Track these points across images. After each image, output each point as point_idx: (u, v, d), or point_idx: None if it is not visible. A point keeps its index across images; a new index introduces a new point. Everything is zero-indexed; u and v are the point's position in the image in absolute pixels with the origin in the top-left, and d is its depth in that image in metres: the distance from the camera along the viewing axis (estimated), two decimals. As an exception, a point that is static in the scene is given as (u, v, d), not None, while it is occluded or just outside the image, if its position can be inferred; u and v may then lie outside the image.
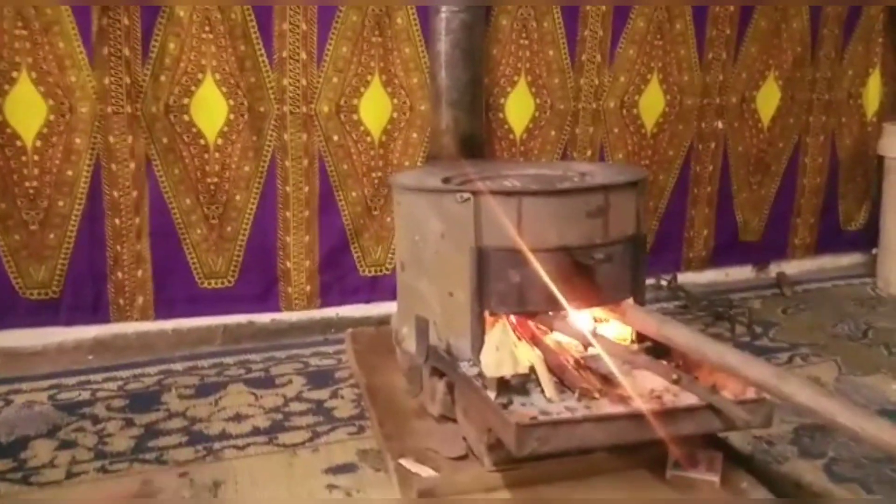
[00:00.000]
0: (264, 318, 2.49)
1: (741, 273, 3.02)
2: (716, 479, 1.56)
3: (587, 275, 1.68)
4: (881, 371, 2.23)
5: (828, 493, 1.68)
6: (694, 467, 1.59)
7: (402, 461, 1.65)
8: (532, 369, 1.63)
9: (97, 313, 2.34)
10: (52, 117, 2.19)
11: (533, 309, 1.69)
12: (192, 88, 2.29)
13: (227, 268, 2.43)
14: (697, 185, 2.86)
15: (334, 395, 2.12)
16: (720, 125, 2.82)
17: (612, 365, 1.72)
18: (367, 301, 2.55)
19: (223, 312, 2.44)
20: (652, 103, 2.72)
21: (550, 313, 1.71)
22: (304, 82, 2.36)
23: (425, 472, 1.62)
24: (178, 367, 2.30)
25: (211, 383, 2.20)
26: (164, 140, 2.28)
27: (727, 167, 2.89)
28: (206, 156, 2.33)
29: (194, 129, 2.31)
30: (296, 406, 2.06)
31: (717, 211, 2.91)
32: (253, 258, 2.43)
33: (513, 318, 1.75)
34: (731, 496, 1.53)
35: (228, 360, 2.34)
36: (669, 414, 1.43)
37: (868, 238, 3.10)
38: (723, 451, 1.65)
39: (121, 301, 2.35)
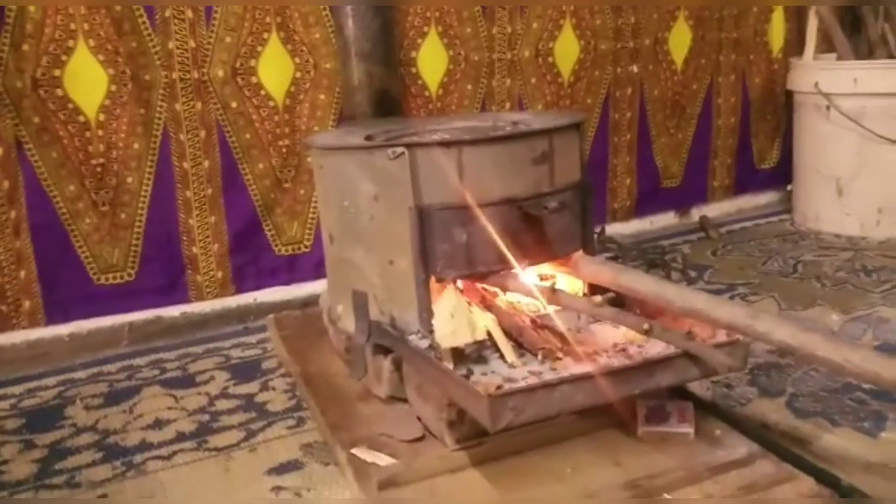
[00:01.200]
0: (174, 311, 2.24)
1: (665, 220, 2.98)
2: (690, 430, 1.48)
3: (537, 228, 1.55)
4: (818, 303, 2.22)
5: (795, 429, 1.63)
6: (665, 421, 1.51)
7: (355, 451, 1.49)
8: (489, 335, 1.50)
9: (-25, 324, 2.04)
10: None
11: (483, 270, 1.55)
12: (63, 58, 2.00)
13: (126, 260, 2.16)
14: (617, 132, 2.79)
15: (264, 388, 1.92)
16: (635, 69, 2.75)
17: (569, 322, 1.62)
18: (287, 283, 2.34)
19: (126, 310, 2.18)
20: (567, 50, 2.60)
21: (502, 273, 1.58)
22: (192, 44, 2.11)
23: (382, 459, 1.47)
24: (81, 374, 2.03)
25: (121, 389, 1.95)
26: (36, 119, 1.99)
27: (644, 112, 2.82)
28: (87, 134, 2.05)
29: (70, 105, 2.02)
30: (223, 404, 1.85)
31: (638, 158, 2.85)
32: (154, 246, 2.18)
33: (459, 282, 1.61)
34: (707, 447, 1.45)
35: (139, 361, 2.09)
36: (645, 367, 1.33)
37: (782, 175, 3.12)
38: (692, 400, 1.57)
39: (3, 308, 2.05)
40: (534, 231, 1.55)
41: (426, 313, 1.52)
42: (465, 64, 2.46)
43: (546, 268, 1.67)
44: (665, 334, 1.38)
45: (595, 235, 2.73)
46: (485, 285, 1.61)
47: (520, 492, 1.36)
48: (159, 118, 2.12)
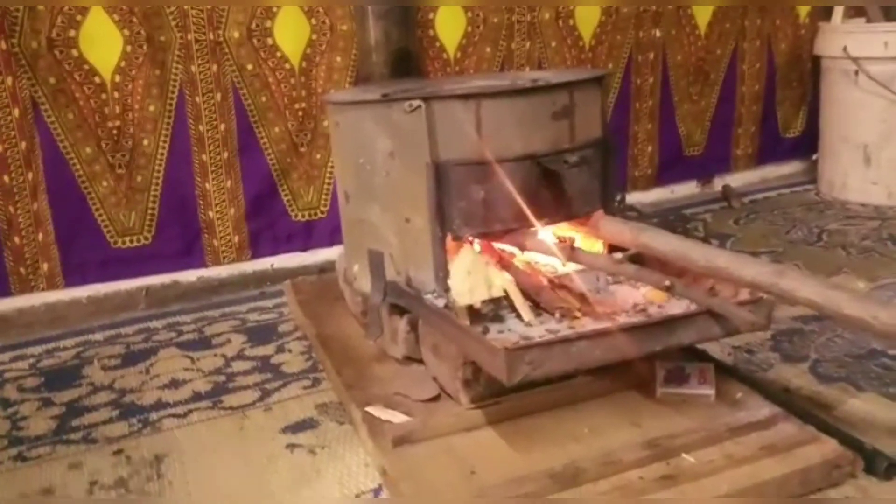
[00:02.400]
0: (190, 276, 2.24)
1: (686, 189, 2.93)
2: (710, 392, 1.45)
3: (556, 185, 1.52)
4: (844, 271, 2.18)
5: (818, 394, 1.59)
6: (685, 382, 1.48)
7: (370, 409, 1.48)
8: (505, 294, 1.48)
9: (-5, 286, 2.05)
10: (-89, 59, 1.87)
11: (501, 228, 1.52)
12: (78, 18, 1.98)
13: (142, 223, 2.16)
14: (639, 98, 2.73)
15: (280, 350, 1.91)
16: (658, 33, 2.69)
17: (588, 282, 1.59)
18: (304, 249, 2.33)
19: (143, 273, 2.18)
20: (588, 13, 2.55)
21: (520, 231, 1.55)
22: (208, 5, 2.08)
23: (397, 417, 1.46)
24: (99, 336, 2.04)
25: (138, 351, 1.95)
26: (52, 80, 1.98)
27: (667, 78, 2.77)
28: (103, 96, 2.04)
29: (86, 66, 2.01)
30: (239, 365, 1.84)
31: (660, 125, 2.80)
32: (170, 210, 2.17)
33: (476, 241, 1.58)
34: (727, 409, 1.42)
35: (155, 324, 2.09)
36: (666, 324, 1.30)
37: (807, 144, 3.06)
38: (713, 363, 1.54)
39: (22, 270, 2.06)
40: (553, 189, 1.52)
41: (442, 272, 1.50)
42: (484, 26, 2.41)
43: (565, 227, 1.65)
44: (687, 292, 1.35)
45: (616, 202, 2.72)
46: (503, 244, 1.59)
47: (536, 451, 1.34)
48: (175, 80, 2.10)
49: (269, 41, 2.17)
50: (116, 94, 2.05)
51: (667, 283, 1.34)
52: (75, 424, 1.62)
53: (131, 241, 2.16)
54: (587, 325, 1.41)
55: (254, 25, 2.14)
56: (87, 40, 2.00)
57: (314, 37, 2.21)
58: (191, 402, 1.69)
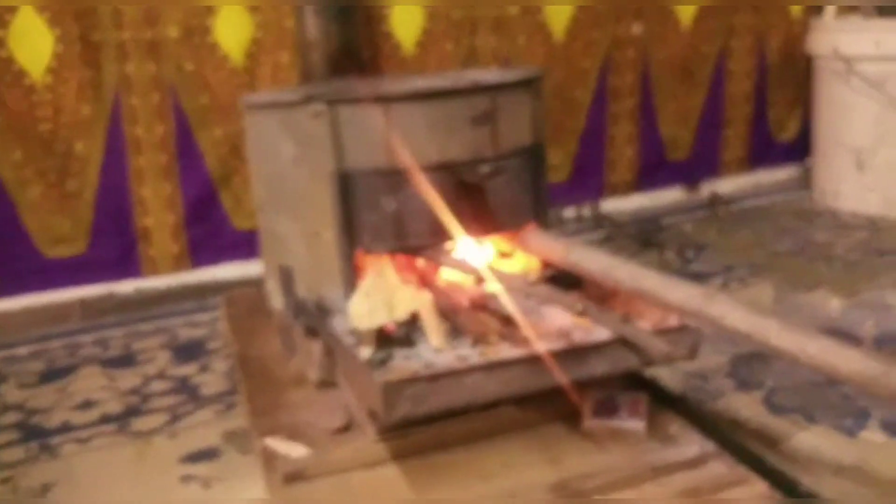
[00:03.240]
0: (128, 286, 2.14)
1: (671, 196, 2.76)
2: (641, 425, 1.32)
3: (477, 197, 1.39)
4: (821, 287, 2.01)
5: (767, 427, 1.45)
6: (615, 414, 1.34)
7: (269, 440, 1.36)
8: (418, 315, 1.35)
9: (-78, 296, 1.97)
10: None
11: (415, 243, 1.39)
12: (7, 17, 1.89)
13: (76, 231, 2.06)
14: (617, 99, 2.58)
15: (204, 370, 1.81)
16: (638, 29, 2.53)
17: (513, 302, 1.46)
18: (248, 258, 2.21)
19: (78, 284, 2.08)
20: (559, 7, 2.40)
21: (438, 247, 1.42)
22: (143, 4, 1.99)
23: (296, 450, 1.33)
24: (24, 351, 1.95)
25: (60, 367, 1.86)
26: (-23, 82, 1.90)
27: (648, 77, 2.61)
28: (33, 98, 1.95)
29: (15, 67, 1.92)
30: (157, 386, 1.74)
31: (641, 127, 2.64)
32: (105, 217, 2.07)
33: (390, 258, 1.46)
34: (657, 445, 1.28)
35: (85, 338, 2.00)
36: (575, 353, 1.17)
37: (803, 148, 2.88)
38: (651, 392, 1.41)
39: (-51, 280, 1.99)
40: (473, 200, 1.39)
41: (350, 291, 1.37)
42: (445, 21, 2.28)
43: (501, 243, 1.52)
44: (600, 317, 1.22)
45: (589, 212, 2.59)
46: (421, 260, 1.46)
47: (437, 490, 1.22)
48: (110, 81, 2.01)
49: (210, 39, 2.07)
50: (48, 97, 1.96)
51: (578, 307, 1.20)
52: (-27, 448, 1.53)
53: (65, 250, 2.06)
54: (502, 351, 1.28)
55: (193, 23, 2.04)
56: (16, 40, 1.91)
57: (258, 34, 2.10)
58: (97, 425, 1.59)
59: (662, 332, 1.21)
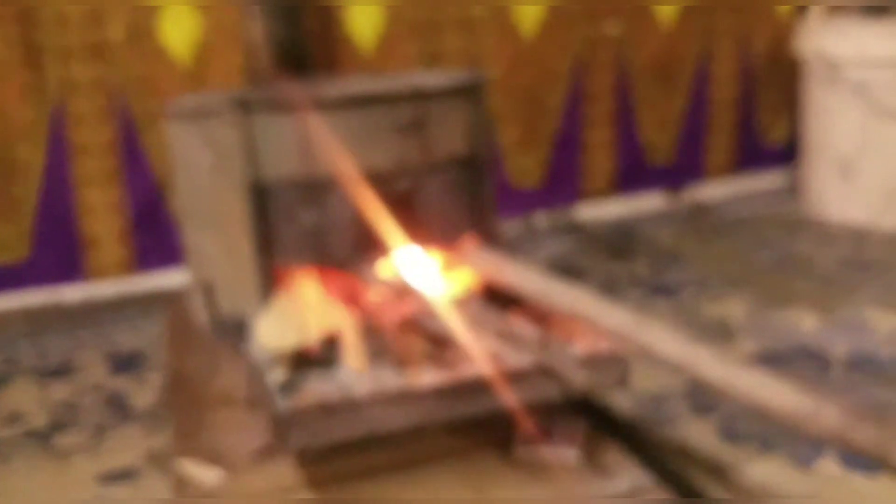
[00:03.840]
0: (74, 294, 2.07)
1: (651, 202, 2.65)
2: (573, 455, 1.23)
3: (404, 208, 1.31)
4: (797, 303, 1.91)
5: (718, 456, 1.37)
6: (548, 442, 1.26)
7: (184, 462, 1.29)
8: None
9: None
10: None
11: (337, 257, 1.32)
12: (-56, 17, 1.84)
13: (19, 238, 1.99)
14: (591, 102, 2.48)
15: (140, 382, 1.74)
16: (613, 30, 2.43)
17: (447, 323, 1.38)
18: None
19: (19, 291, 2.02)
20: (529, 7, 2.31)
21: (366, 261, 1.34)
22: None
23: (210, 474, 1.26)
24: (-41, 359, 1.89)
25: (-7, 378, 1.79)
26: (-87, 83, 1.84)
27: (626, 80, 2.51)
28: (-29, 101, 1.89)
29: (-48, 68, 1.87)
30: (88, 399, 1.67)
31: (619, 132, 2.54)
32: (49, 223, 2.00)
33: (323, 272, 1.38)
34: (590, 476, 1.20)
35: (24, 346, 1.93)
36: (486, 383, 1.08)
37: (792, 153, 2.76)
38: (594, 417, 1.32)
39: None
40: (400, 213, 1.31)
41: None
42: (405, 22, 2.19)
43: (438, 256, 1.44)
44: (521, 342, 1.13)
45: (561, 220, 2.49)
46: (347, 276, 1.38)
47: (349, 525, 1.14)
48: (53, 84, 1.94)
49: (156, 42, 1.99)
50: (-13, 99, 1.90)
51: (500, 330, 1.12)
52: None
53: (7, 257, 2.00)
54: (427, 375, 1.20)
55: (139, 25, 1.97)
56: (-46, 40, 1.85)
57: (207, 36, 2.03)
58: (20, 441, 1.53)
59: (589, 360, 1.13)
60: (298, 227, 1.28)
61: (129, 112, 2.00)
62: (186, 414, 1.47)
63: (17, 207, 1.97)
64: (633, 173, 2.61)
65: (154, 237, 2.08)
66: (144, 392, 1.70)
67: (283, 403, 1.05)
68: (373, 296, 1.40)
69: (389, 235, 1.30)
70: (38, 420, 1.59)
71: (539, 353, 1.10)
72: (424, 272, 1.40)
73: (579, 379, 1.07)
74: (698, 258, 2.27)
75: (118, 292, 2.09)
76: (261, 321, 1.24)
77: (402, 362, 1.24)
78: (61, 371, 1.80)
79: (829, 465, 1.32)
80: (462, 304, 1.27)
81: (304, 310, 1.25)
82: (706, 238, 2.44)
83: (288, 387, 1.16)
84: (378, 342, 1.30)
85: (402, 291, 1.32)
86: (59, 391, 1.71)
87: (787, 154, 2.81)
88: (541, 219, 2.46)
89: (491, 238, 1.46)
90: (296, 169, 1.26)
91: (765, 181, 2.84)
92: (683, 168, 2.70)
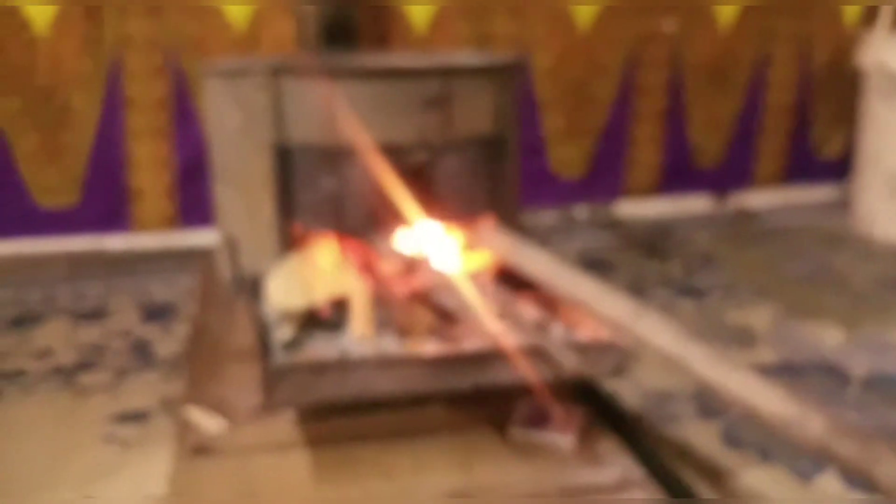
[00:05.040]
0: (116, 242, 2.16)
1: (696, 204, 2.61)
2: (566, 441, 1.24)
3: (420, 183, 1.33)
4: (823, 316, 1.87)
5: (715, 459, 1.36)
6: (543, 426, 1.27)
7: (191, 410, 1.34)
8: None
9: (-84, 234, 2.03)
10: None
11: (353, 225, 1.34)
12: (15, -31, 1.93)
13: (69, 184, 2.09)
14: (641, 98, 2.45)
15: (166, 332, 1.80)
16: (669, 27, 2.39)
17: (460, 297, 1.39)
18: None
19: (66, 234, 2.11)
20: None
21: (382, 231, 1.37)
22: (149, -37, 1.99)
23: (213, 424, 1.31)
24: (4, 295, 1.98)
25: (32, 316, 1.88)
26: (-18, 29, 1.93)
27: (680, 78, 2.47)
28: (35, 50, 1.97)
29: (19, 19, 1.95)
30: (116, 343, 1.75)
31: (667, 130, 2.50)
32: (99, 173, 2.09)
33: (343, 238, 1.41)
34: (581, 464, 1.20)
35: (64, 289, 2.02)
36: (477, 359, 1.10)
37: (846, 168, 2.67)
38: (598, 408, 1.33)
39: (-56, 220, 2.04)
40: (418, 187, 1.32)
41: (284, 268, 1.33)
42: (459, 3, 2.20)
43: (452, 232, 1.46)
44: (518, 323, 1.14)
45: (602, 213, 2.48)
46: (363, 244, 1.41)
47: (336, 484, 1.17)
48: (111, 39, 2.02)
49: (213, 4, 2.05)
50: (49, 50, 1.98)
51: (497, 310, 1.14)
52: (-77, 385, 1.56)
53: (57, 201, 2.09)
54: (427, 347, 1.22)
55: (197, -14, 2.03)
56: (22, -9, 1.94)
57: (262, 2, 2.08)
58: (46, 376, 1.61)
59: (584, 346, 1.13)
60: (318, 193, 1.31)
61: (182, 71, 2.07)
62: (201, 365, 1.52)
63: (70, 155, 2.06)
64: (677, 173, 2.58)
65: (198, 195, 2.14)
66: (169, 342, 1.76)
67: (275, 359, 1.09)
68: (386, 266, 1.43)
69: (406, 208, 1.32)
70: (66, 358, 1.67)
71: (533, 336, 1.11)
72: (439, 247, 1.42)
73: (570, 363, 1.08)
74: (732, 264, 2.23)
75: (159, 245, 2.17)
76: (271, 280, 1.28)
77: (405, 332, 1.26)
78: (94, 315, 1.88)
79: (829, 482, 1.30)
80: (472, 281, 1.29)
81: (313, 272, 1.29)
82: (744, 245, 2.40)
83: (291, 345, 1.20)
84: (387, 312, 1.33)
85: (415, 264, 1.34)
86: (90, 333, 1.79)
87: (842, 168, 2.73)
88: (580, 211, 2.45)
89: (509, 220, 1.47)
90: (319, 135, 1.29)
91: (815, 193, 2.77)
92: (731, 172, 2.65)
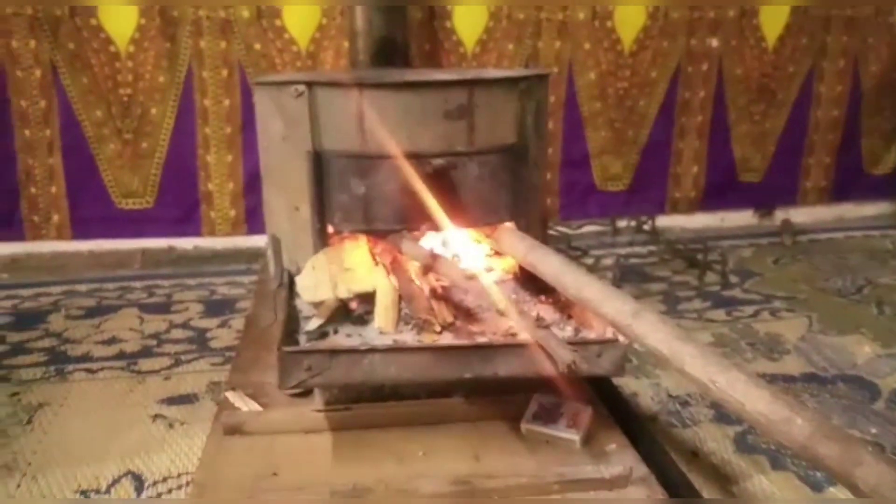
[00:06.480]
0: (186, 243, 2.33)
1: (740, 218, 2.62)
2: (575, 437, 1.29)
3: (446, 189, 1.42)
4: (859, 331, 1.85)
5: (726, 465, 1.38)
6: (553, 422, 1.33)
7: (229, 394, 1.46)
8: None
9: (11, 230, 2.25)
10: (-50, 16, 2.09)
11: (381, 227, 1.44)
12: (100, -10, 2.13)
13: (145, 187, 2.27)
14: (686, 113, 2.48)
15: (223, 325, 1.95)
16: (714, 43, 2.42)
17: (493, 296, 1.47)
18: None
19: (142, 235, 2.30)
20: (630, 15, 2.35)
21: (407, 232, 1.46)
22: (221, -15, 2.16)
23: (248, 406, 1.43)
24: (83, 288, 2.18)
25: (105, 306, 2.06)
26: (71, 46, 2.13)
27: (723, 93, 2.49)
28: (117, 64, 2.17)
29: (103, 35, 2.15)
30: (176, 333, 1.90)
31: (710, 144, 2.52)
32: (172, 178, 2.27)
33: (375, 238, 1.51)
34: (587, 459, 1.26)
35: (136, 284, 2.20)
36: (479, 350, 1.17)
37: (900, 184, 2.63)
38: (613, 407, 1.38)
39: (35, 218, 2.25)
40: (442, 192, 1.42)
41: (319, 265, 1.44)
42: (507, 21, 2.30)
43: (477, 235, 1.54)
44: (520, 318, 1.21)
45: (646, 225, 2.50)
46: (384, 242, 1.51)
47: (352, 466, 1.26)
48: (185, 54, 2.19)
49: (278, 23, 2.20)
50: (129, 64, 2.17)
51: (501, 306, 1.21)
52: (6, 363, 1.74)
53: (134, 204, 2.28)
54: (441, 340, 1.30)
55: (264, 6, 2.18)
56: (106, 10, 2.13)
57: (324, 21, 2.22)
58: (111, 359, 1.76)
59: (586, 344, 1.19)
60: (350, 196, 1.41)
61: (249, 84, 2.23)
62: (247, 353, 1.65)
63: (147, 161, 2.25)
64: (721, 187, 2.59)
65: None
66: (226, 334, 1.90)
67: (294, 344, 1.19)
68: (411, 265, 1.53)
69: (432, 212, 1.41)
70: (131, 346, 1.83)
71: (534, 332, 1.18)
72: (461, 248, 1.50)
73: (565, 359, 1.13)
74: (771, 278, 2.23)
75: (226, 247, 2.33)
76: (302, 275, 1.39)
77: (420, 327, 1.35)
78: (160, 308, 2.05)
79: (841, 492, 1.30)
80: (492, 281, 1.37)
81: (341, 268, 1.39)
82: (786, 260, 2.38)
83: (316, 334, 1.31)
84: (411, 308, 1.43)
85: (438, 263, 1.43)
86: (155, 324, 1.95)
87: (893, 184, 2.67)
88: (623, 222, 2.49)
89: (532, 226, 1.54)
90: (350, 143, 1.39)
91: (864, 210, 2.72)
92: (776, 188, 2.64)
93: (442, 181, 1.41)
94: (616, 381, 1.53)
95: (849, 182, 2.65)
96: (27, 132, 2.18)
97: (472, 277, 1.33)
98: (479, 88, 1.40)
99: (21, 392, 1.60)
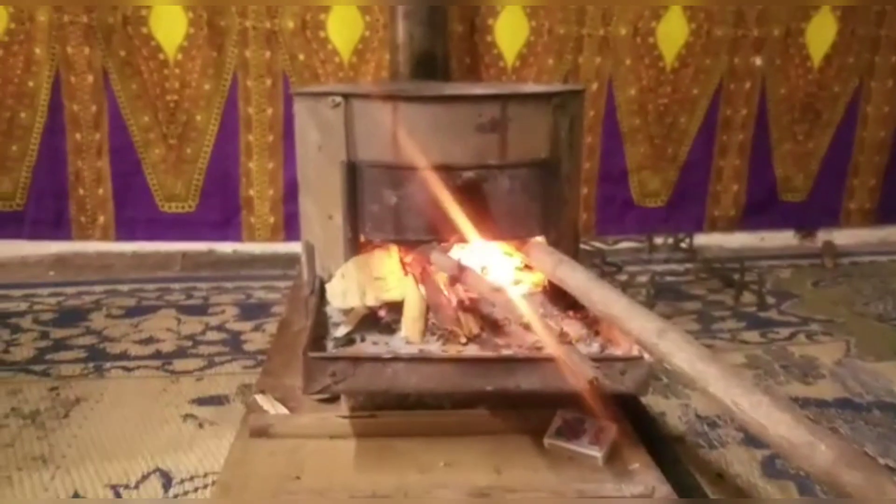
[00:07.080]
0: (226, 247, 2.38)
1: (781, 239, 2.58)
2: (598, 454, 1.29)
3: (477, 202, 1.43)
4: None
5: (751, 488, 1.36)
6: (576, 438, 1.33)
7: (258, 397, 1.49)
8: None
9: (59, 229, 2.32)
10: (12, 25, 2.17)
11: (412, 237, 1.46)
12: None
13: (188, 192, 2.33)
14: (727, 130, 2.45)
15: (257, 329, 1.99)
16: (758, 62, 2.40)
17: (513, 311, 1.48)
18: (337, 237, 2.38)
19: (183, 238, 2.36)
20: (672, 32, 2.34)
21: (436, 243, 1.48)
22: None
23: (275, 409, 1.45)
24: (124, 288, 2.24)
25: (145, 306, 2.12)
26: (122, 53, 2.20)
27: (765, 112, 2.45)
28: (165, 71, 2.23)
29: (153, 43, 2.21)
30: (211, 335, 1.94)
31: (752, 163, 2.49)
32: (214, 183, 2.32)
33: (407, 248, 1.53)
34: (608, 476, 1.25)
35: (175, 286, 2.26)
36: (502, 363, 1.18)
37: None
38: (640, 426, 1.38)
39: (82, 219, 2.32)
40: (472, 205, 1.43)
41: (350, 273, 1.47)
42: (549, 36, 2.30)
43: (506, 248, 1.55)
44: (544, 333, 1.22)
45: (683, 243, 2.48)
46: (414, 253, 1.53)
47: (374, 473, 1.28)
48: (230, 63, 2.25)
49: (322, 34, 2.24)
50: (177, 71, 2.23)
51: (523, 320, 1.22)
52: (47, 358, 1.80)
53: (176, 207, 2.34)
54: (465, 352, 1.31)
55: (308, 17, 2.23)
56: (156, 19, 2.20)
57: (366, 33, 2.25)
58: (147, 358, 1.81)
59: (610, 360, 1.19)
60: (382, 206, 1.43)
61: (292, 94, 2.27)
62: (278, 357, 1.68)
63: (190, 166, 2.31)
64: (762, 207, 2.55)
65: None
66: (259, 337, 1.94)
67: (315, 350, 1.21)
68: (440, 276, 1.54)
69: (462, 224, 1.42)
70: (167, 346, 1.88)
71: (557, 346, 1.18)
72: (491, 262, 1.51)
73: (589, 376, 1.13)
74: (810, 300, 2.19)
75: (264, 252, 2.37)
76: (332, 282, 1.41)
77: (445, 338, 1.36)
78: (197, 310, 2.10)
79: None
80: (521, 295, 1.38)
81: (371, 277, 1.41)
82: (826, 282, 2.34)
83: (343, 341, 1.33)
84: (438, 318, 1.44)
85: (467, 275, 1.44)
86: (191, 326, 1.99)
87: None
88: (660, 239, 2.47)
89: (564, 241, 1.54)
90: (384, 154, 1.41)
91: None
92: (818, 208, 2.59)
93: (472, 194, 1.42)
94: (644, 399, 1.52)
95: (895, 204, 2.59)
96: (78, 135, 2.25)
97: (498, 290, 1.34)
98: (512, 103, 1.41)
99: (60, 387, 1.66)
